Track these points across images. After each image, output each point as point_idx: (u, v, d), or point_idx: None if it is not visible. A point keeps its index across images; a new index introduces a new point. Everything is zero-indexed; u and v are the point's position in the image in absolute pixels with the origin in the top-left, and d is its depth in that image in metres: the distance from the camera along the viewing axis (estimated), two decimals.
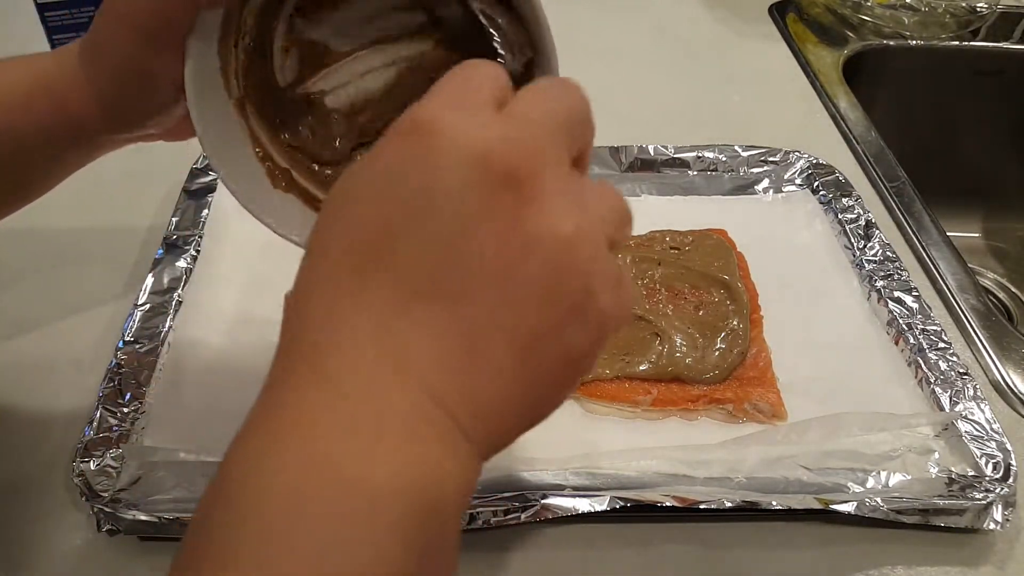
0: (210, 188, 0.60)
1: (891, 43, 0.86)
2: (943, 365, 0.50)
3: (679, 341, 0.51)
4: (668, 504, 0.42)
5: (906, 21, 0.88)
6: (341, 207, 0.25)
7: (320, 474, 0.22)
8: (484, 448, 0.24)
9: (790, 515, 0.43)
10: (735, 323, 0.52)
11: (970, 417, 0.47)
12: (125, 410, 0.46)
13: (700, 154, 0.66)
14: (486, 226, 0.23)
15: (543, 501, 0.42)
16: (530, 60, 0.40)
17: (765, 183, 0.66)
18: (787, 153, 0.66)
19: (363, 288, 0.23)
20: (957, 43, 0.87)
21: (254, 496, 0.22)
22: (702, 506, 0.42)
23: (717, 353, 0.51)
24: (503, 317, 0.23)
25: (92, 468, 0.43)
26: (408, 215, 0.23)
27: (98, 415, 0.46)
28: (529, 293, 0.23)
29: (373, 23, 0.41)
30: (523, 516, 0.42)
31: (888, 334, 0.54)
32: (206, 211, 0.59)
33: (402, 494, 0.22)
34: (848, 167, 0.67)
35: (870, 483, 0.45)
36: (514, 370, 0.24)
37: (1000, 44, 0.88)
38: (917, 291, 0.55)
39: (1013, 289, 0.89)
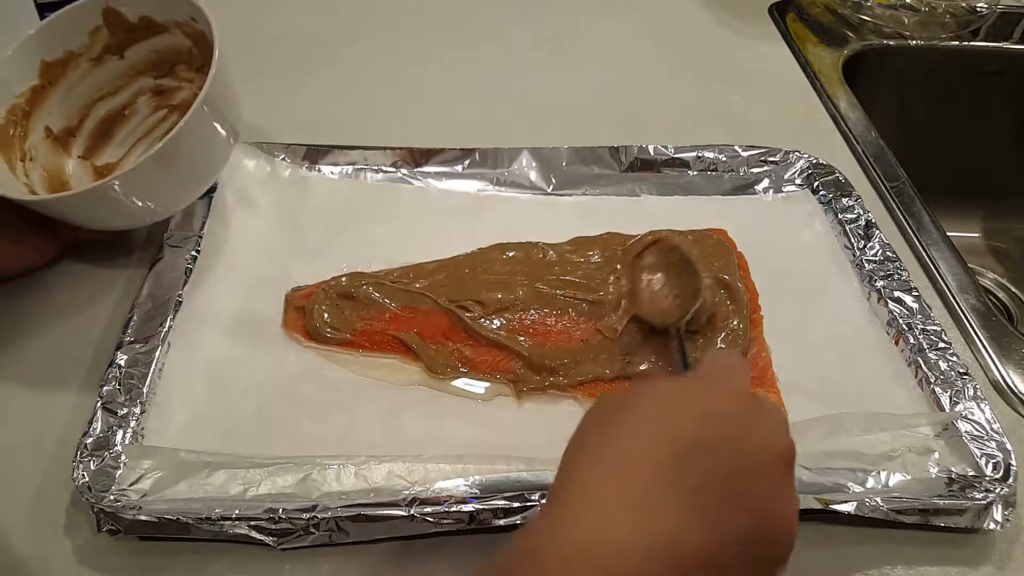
0: (210, 188, 0.60)
1: (891, 43, 0.86)
2: (943, 365, 0.50)
3: None
4: None
5: (906, 21, 0.88)
6: (666, 412, 0.32)
7: None
8: None
9: None
10: (735, 323, 0.52)
11: (970, 417, 0.47)
12: (125, 410, 0.46)
13: (700, 154, 0.66)
14: (768, 495, 0.32)
15: (543, 501, 0.42)
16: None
17: (765, 183, 0.66)
18: (787, 153, 0.66)
19: (674, 481, 0.30)
20: (957, 43, 0.87)
21: None
22: None
23: None
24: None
25: (92, 468, 0.43)
26: (726, 460, 0.31)
27: (98, 415, 0.46)
28: (762, 541, 0.32)
29: (135, 131, 0.63)
30: (523, 516, 0.42)
31: (888, 334, 0.54)
32: (206, 211, 0.59)
33: None
34: (848, 167, 0.67)
35: (870, 483, 0.45)
36: None
37: (1000, 44, 0.88)
38: (917, 291, 0.55)
39: (1013, 289, 0.89)
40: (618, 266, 0.56)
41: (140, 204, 0.52)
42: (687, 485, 0.30)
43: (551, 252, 0.57)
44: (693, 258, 0.52)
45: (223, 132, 0.54)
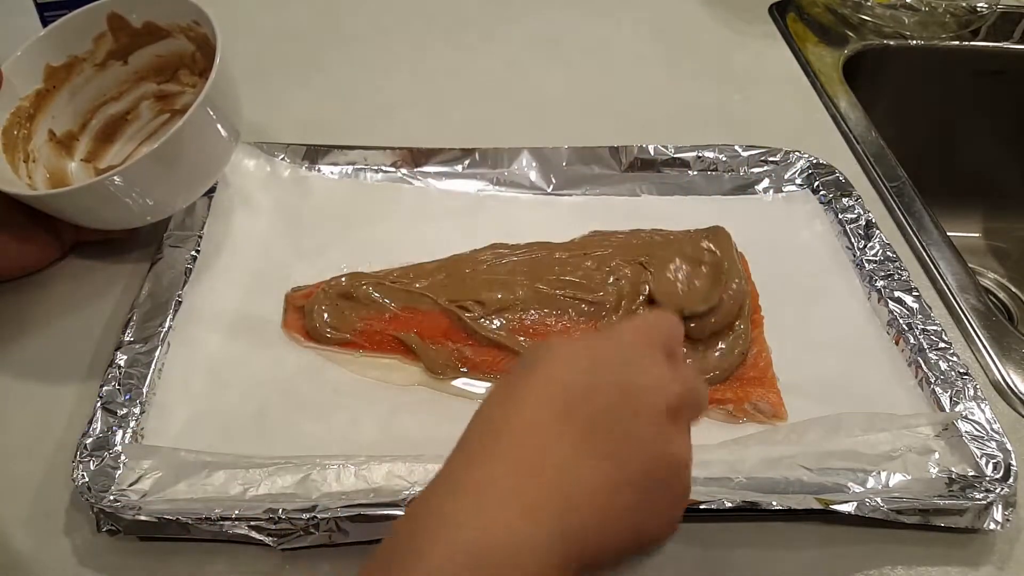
0: (210, 188, 0.60)
1: (891, 43, 0.86)
2: (943, 365, 0.50)
3: None
4: None
5: (906, 21, 0.88)
6: (557, 364, 0.34)
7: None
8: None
9: (790, 515, 0.43)
10: (736, 324, 0.52)
11: (970, 417, 0.47)
12: (125, 410, 0.46)
13: (700, 154, 0.66)
14: (656, 437, 0.33)
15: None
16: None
17: (765, 183, 0.66)
18: (787, 153, 0.66)
19: (566, 423, 0.32)
20: (957, 43, 0.87)
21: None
22: (702, 506, 0.42)
23: (718, 354, 0.51)
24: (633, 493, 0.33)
25: (92, 468, 0.43)
26: (614, 403, 0.33)
27: (98, 415, 0.46)
28: (656, 485, 0.33)
29: (138, 134, 0.64)
30: None
31: (888, 334, 0.54)
32: (206, 211, 0.59)
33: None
34: (848, 167, 0.67)
35: (870, 483, 0.45)
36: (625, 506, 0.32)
37: (1000, 44, 0.88)
38: (917, 291, 0.55)
39: (1013, 289, 0.89)
40: (614, 263, 0.55)
41: (139, 202, 0.52)
42: (577, 429, 0.32)
43: (551, 252, 0.57)
44: (733, 266, 0.53)
45: (224, 132, 0.54)
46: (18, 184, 0.55)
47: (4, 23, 0.79)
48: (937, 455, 0.46)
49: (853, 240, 0.59)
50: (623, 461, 0.32)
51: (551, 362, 0.34)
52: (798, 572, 0.44)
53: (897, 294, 0.55)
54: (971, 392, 0.49)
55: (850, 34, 0.87)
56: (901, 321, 0.53)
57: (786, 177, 0.66)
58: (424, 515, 0.30)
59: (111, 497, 0.42)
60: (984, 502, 0.43)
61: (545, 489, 0.30)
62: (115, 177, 0.49)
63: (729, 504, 0.42)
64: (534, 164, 0.65)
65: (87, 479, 0.43)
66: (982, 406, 0.48)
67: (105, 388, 0.47)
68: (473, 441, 0.33)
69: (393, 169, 0.65)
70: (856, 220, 0.61)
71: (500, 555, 0.28)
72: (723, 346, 0.51)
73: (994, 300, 0.85)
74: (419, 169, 0.65)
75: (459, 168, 0.65)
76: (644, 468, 0.33)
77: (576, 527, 0.30)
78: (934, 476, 0.45)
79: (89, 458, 0.44)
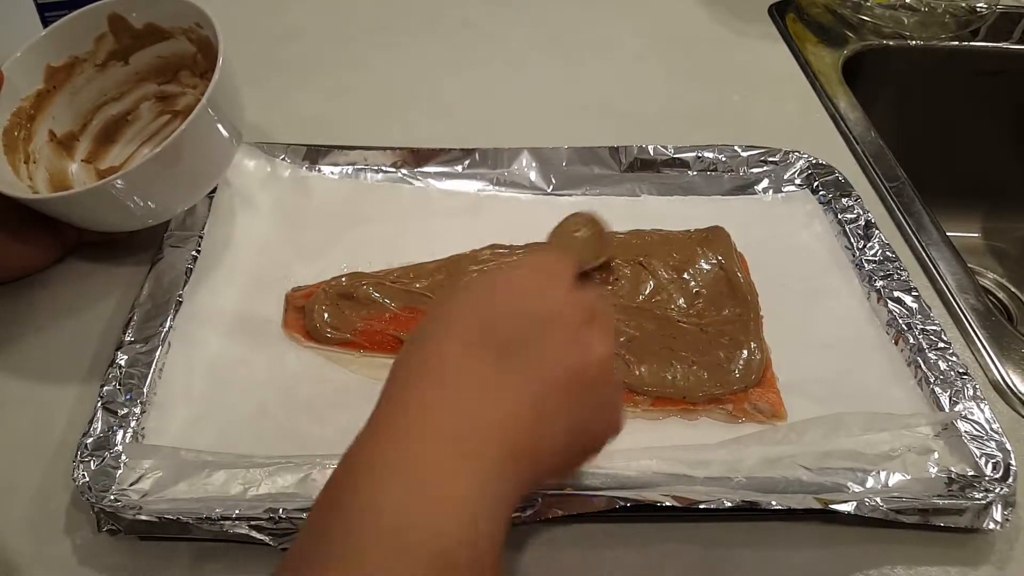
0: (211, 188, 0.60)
1: (891, 43, 0.86)
2: (943, 365, 0.50)
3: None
4: (668, 504, 0.42)
5: (906, 21, 0.88)
6: (465, 300, 0.36)
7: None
8: (526, 485, 0.33)
9: (790, 515, 0.43)
10: (751, 343, 0.52)
11: (970, 417, 0.47)
12: (125, 410, 0.46)
13: (700, 154, 0.66)
14: (573, 344, 0.35)
15: (543, 501, 0.42)
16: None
17: (765, 183, 0.66)
18: (787, 153, 0.66)
19: (482, 349, 0.34)
20: (957, 43, 0.87)
21: (343, 522, 0.30)
22: (702, 506, 0.42)
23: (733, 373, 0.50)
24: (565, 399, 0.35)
25: (92, 468, 0.43)
26: (524, 326, 0.35)
27: (98, 415, 0.46)
28: (585, 386, 0.35)
29: (138, 135, 0.64)
30: (524, 516, 0.42)
31: (888, 334, 0.54)
32: (207, 211, 0.59)
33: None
34: (848, 167, 0.67)
35: (870, 483, 0.45)
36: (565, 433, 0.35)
37: (1000, 44, 0.88)
38: (917, 291, 0.55)
39: (1013, 289, 0.89)
40: (613, 264, 0.55)
41: (142, 204, 0.52)
42: (493, 353, 0.34)
43: None
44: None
45: (226, 135, 0.54)
46: (19, 186, 0.55)
47: (4, 23, 0.79)
48: (936, 455, 0.46)
49: (852, 240, 0.60)
50: (544, 372, 0.34)
51: (458, 299, 0.36)
52: (798, 572, 0.44)
53: (896, 294, 0.55)
54: (970, 392, 0.49)
55: (849, 34, 0.87)
56: (900, 321, 0.53)
57: (785, 177, 0.66)
58: (360, 465, 0.32)
59: (111, 497, 0.42)
60: (983, 502, 0.43)
61: (469, 418, 0.32)
62: (117, 181, 0.49)
63: (729, 504, 0.42)
64: (534, 164, 0.65)
65: (88, 479, 0.43)
66: (981, 406, 0.48)
67: (106, 388, 0.47)
68: (397, 386, 0.34)
69: (393, 169, 0.65)
70: (855, 220, 0.61)
71: (451, 507, 0.30)
72: (736, 369, 0.51)
73: (994, 300, 0.85)
74: (419, 169, 0.65)
75: (459, 168, 0.65)
76: (568, 373, 0.34)
77: (509, 441, 0.32)
78: (934, 476, 0.46)
79: (90, 458, 0.44)
